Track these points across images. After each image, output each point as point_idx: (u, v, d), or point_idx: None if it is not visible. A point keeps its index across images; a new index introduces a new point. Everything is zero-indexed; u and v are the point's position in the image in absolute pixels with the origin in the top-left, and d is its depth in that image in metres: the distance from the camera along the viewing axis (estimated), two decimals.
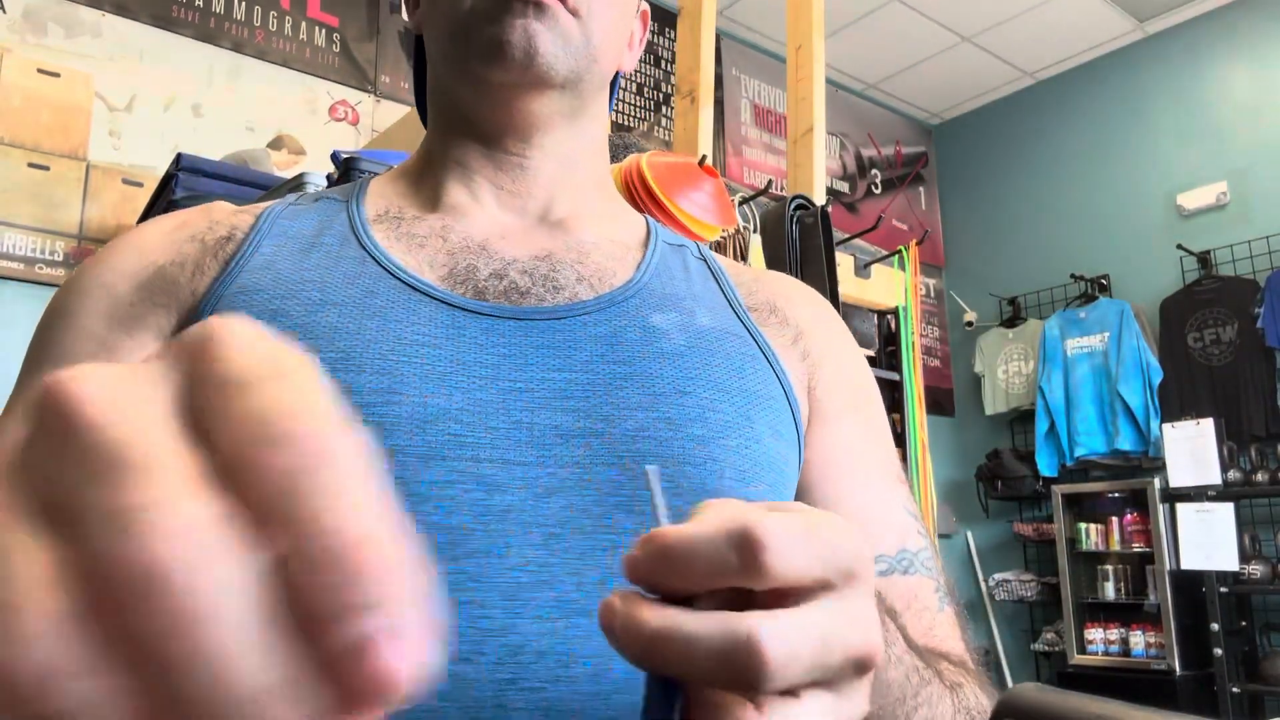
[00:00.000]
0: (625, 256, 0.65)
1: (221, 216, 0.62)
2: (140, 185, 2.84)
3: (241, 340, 0.19)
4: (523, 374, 0.54)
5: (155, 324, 0.57)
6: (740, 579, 0.27)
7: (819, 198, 2.19)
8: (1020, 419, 4.78)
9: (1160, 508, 3.91)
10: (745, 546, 0.27)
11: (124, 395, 0.18)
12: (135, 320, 0.57)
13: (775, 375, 0.61)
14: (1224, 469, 3.81)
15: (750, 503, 0.31)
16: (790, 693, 0.28)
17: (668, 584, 0.28)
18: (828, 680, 0.29)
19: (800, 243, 2.03)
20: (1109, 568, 4.17)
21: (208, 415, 0.19)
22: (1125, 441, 4.17)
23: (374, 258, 0.58)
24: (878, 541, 0.58)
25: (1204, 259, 4.21)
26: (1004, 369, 4.80)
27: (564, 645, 0.47)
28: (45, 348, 0.58)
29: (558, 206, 0.64)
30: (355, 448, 0.19)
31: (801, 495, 0.60)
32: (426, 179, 0.66)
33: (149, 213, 2.60)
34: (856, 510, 0.59)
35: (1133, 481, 4.14)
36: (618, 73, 0.71)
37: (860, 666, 0.29)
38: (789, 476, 0.59)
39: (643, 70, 4.28)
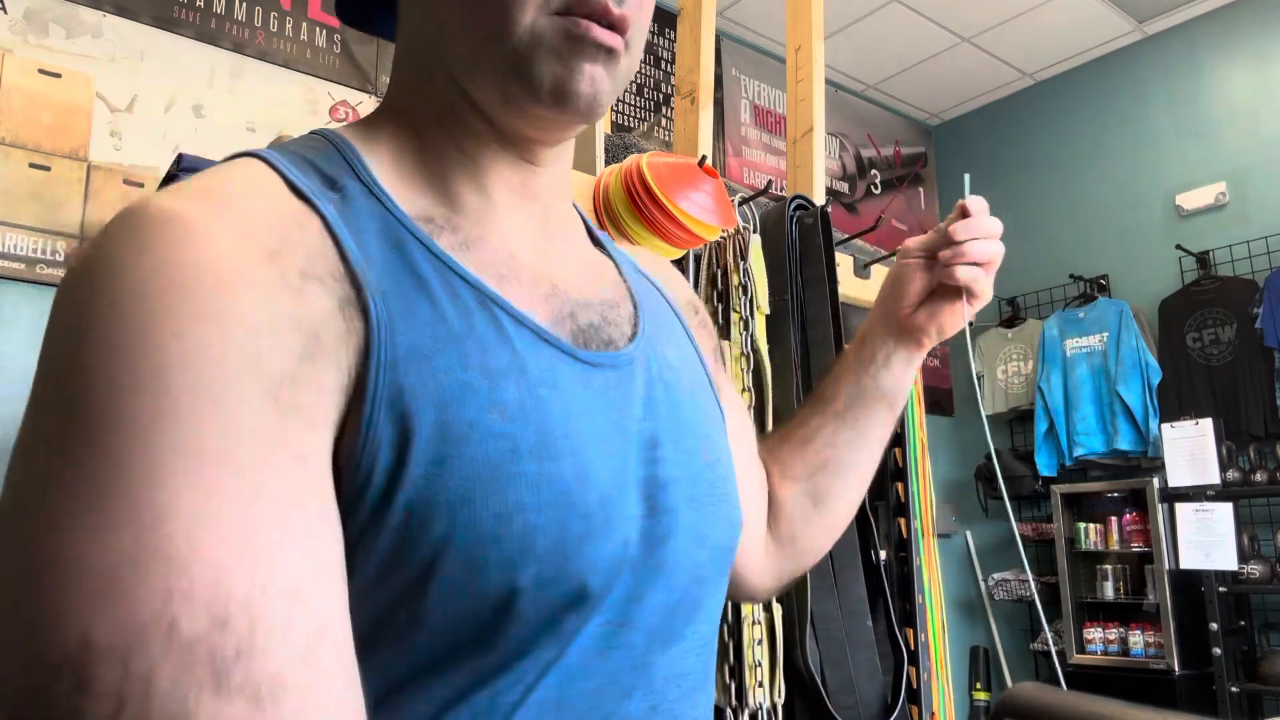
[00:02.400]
0: (605, 263, 0.68)
1: (292, 232, 0.47)
2: (141, 186, 2.84)
3: None
4: (636, 427, 0.56)
5: (326, 414, 0.44)
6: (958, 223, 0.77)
7: (819, 198, 2.19)
8: (1020, 419, 4.79)
9: (1159, 507, 3.92)
10: (961, 210, 0.83)
11: None
12: (306, 411, 0.42)
13: (715, 398, 0.68)
14: (1223, 469, 3.81)
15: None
16: None
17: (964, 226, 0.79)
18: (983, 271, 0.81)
19: (800, 243, 2.03)
20: (1108, 567, 4.17)
21: None
22: (1124, 441, 4.18)
23: (496, 303, 0.52)
24: (755, 505, 0.79)
25: (1203, 259, 4.21)
26: (1003, 369, 4.80)
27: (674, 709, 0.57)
28: (185, 437, 0.38)
29: (553, 213, 0.63)
30: None
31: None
32: (429, 168, 0.57)
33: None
34: (745, 477, 0.73)
35: (1132, 481, 4.15)
36: None
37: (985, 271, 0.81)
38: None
39: (643, 70, 4.28)
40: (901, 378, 0.84)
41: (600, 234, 0.72)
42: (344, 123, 0.62)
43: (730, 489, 0.63)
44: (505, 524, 0.47)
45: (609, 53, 0.54)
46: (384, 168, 0.56)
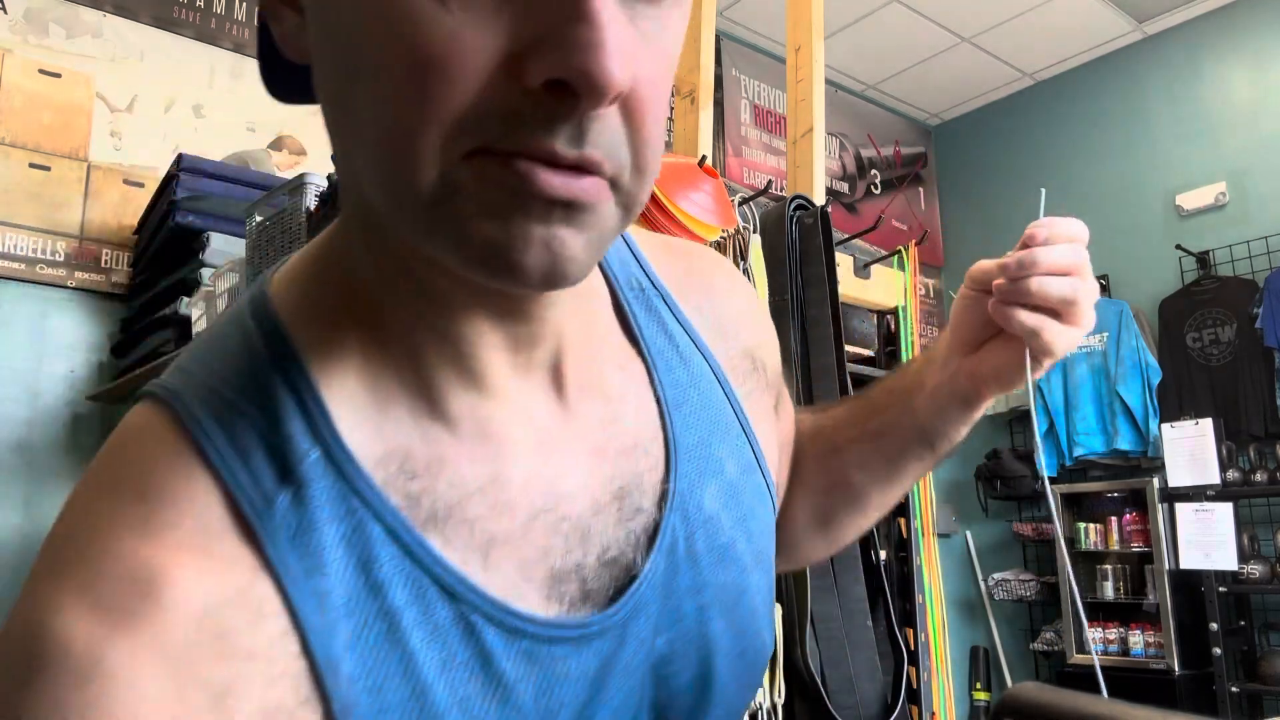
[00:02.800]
0: (635, 382, 0.53)
1: (250, 641, 0.37)
2: (141, 186, 2.84)
3: None
4: (646, 666, 0.49)
5: None
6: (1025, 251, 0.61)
7: (819, 198, 2.20)
8: (1020, 419, 4.79)
9: (1159, 507, 3.92)
10: (1027, 240, 0.64)
11: None
12: None
13: (769, 494, 0.59)
14: (1223, 469, 3.81)
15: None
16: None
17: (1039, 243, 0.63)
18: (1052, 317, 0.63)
19: (800, 243, 2.03)
20: (1108, 567, 4.17)
21: None
22: (1124, 441, 4.18)
23: (483, 614, 0.42)
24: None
25: (1203, 259, 4.21)
26: None
27: None
28: None
29: (566, 347, 0.49)
30: None
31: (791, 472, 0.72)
32: (401, 364, 0.44)
33: (150, 212, 2.61)
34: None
35: (1132, 481, 4.15)
36: None
37: (1072, 325, 0.63)
38: None
39: None
40: (950, 422, 0.67)
41: (638, 277, 0.57)
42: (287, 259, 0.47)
43: (765, 639, 0.57)
44: None
45: (569, 208, 0.36)
46: (347, 379, 0.43)
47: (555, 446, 0.48)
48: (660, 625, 0.49)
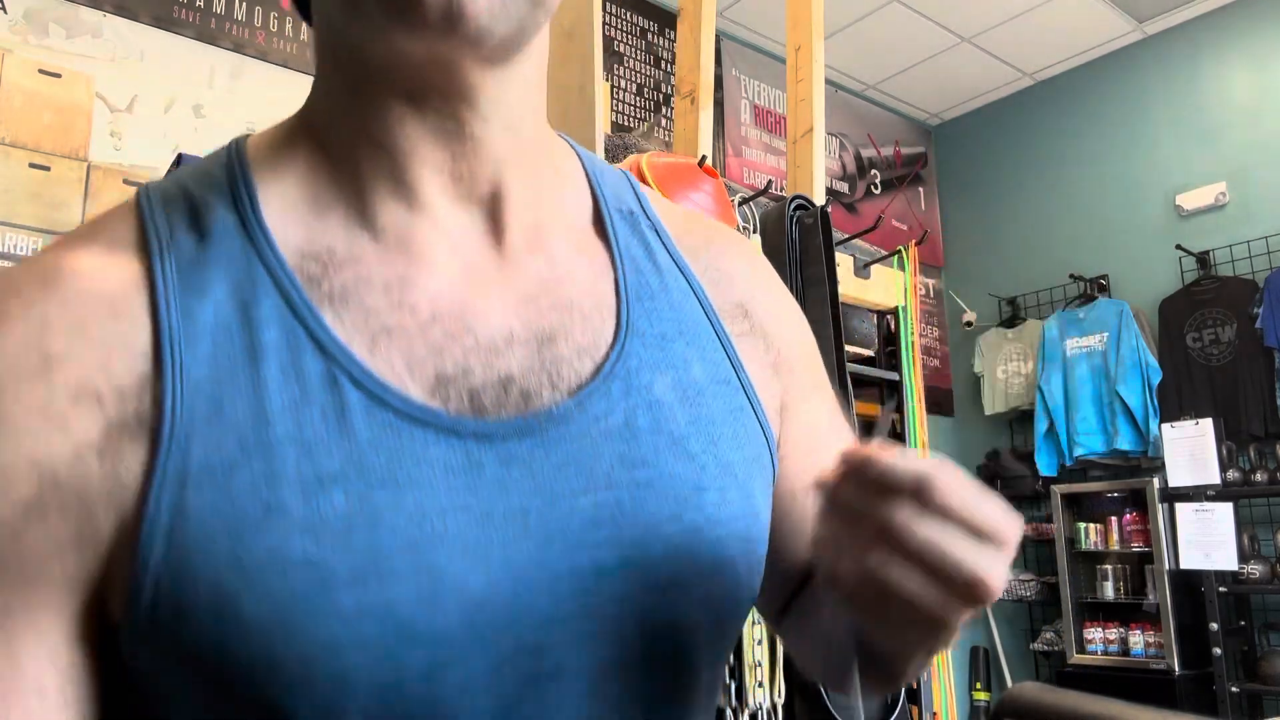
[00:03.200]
0: (595, 267, 0.54)
1: (93, 322, 0.42)
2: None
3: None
4: (553, 510, 0.46)
5: (61, 572, 0.40)
6: (915, 501, 0.40)
7: (819, 198, 2.20)
8: (1020, 419, 4.79)
9: (1159, 507, 3.92)
10: (922, 482, 0.40)
11: None
12: (27, 574, 0.39)
13: (759, 423, 0.56)
14: (1223, 469, 3.81)
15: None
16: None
17: (864, 478, 0.41)
18: (946, 580, 0.40)
19: (800, 243, 2.03)
20: (1108, 567, 4.17)
21: None
22: (1124, 441, 4.18)
23: (349, 374, 0.43)
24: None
25: (1203, 259, 4.21)
26: (1003, 369, 4.80)
27: None
28: None
29: (508, 195, 0.51)
30: None
31: (781, 484, 0.59)
32: (341, 172, 0.49)
33: None
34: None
35: (1132, 481, 4.15)
36: None
37: (972, 592, 0.40)
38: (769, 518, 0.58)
39: (643, 71, 4.29)
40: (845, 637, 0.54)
41: (632, 206, 0.59)
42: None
43: (731, 552, 0.51)
44: (311, 668, 0.40)
45: None
46: (287, 186, 0.48)
47: (481, 278, 0.49)
48: (586, 485, 0.47)
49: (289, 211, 0.47)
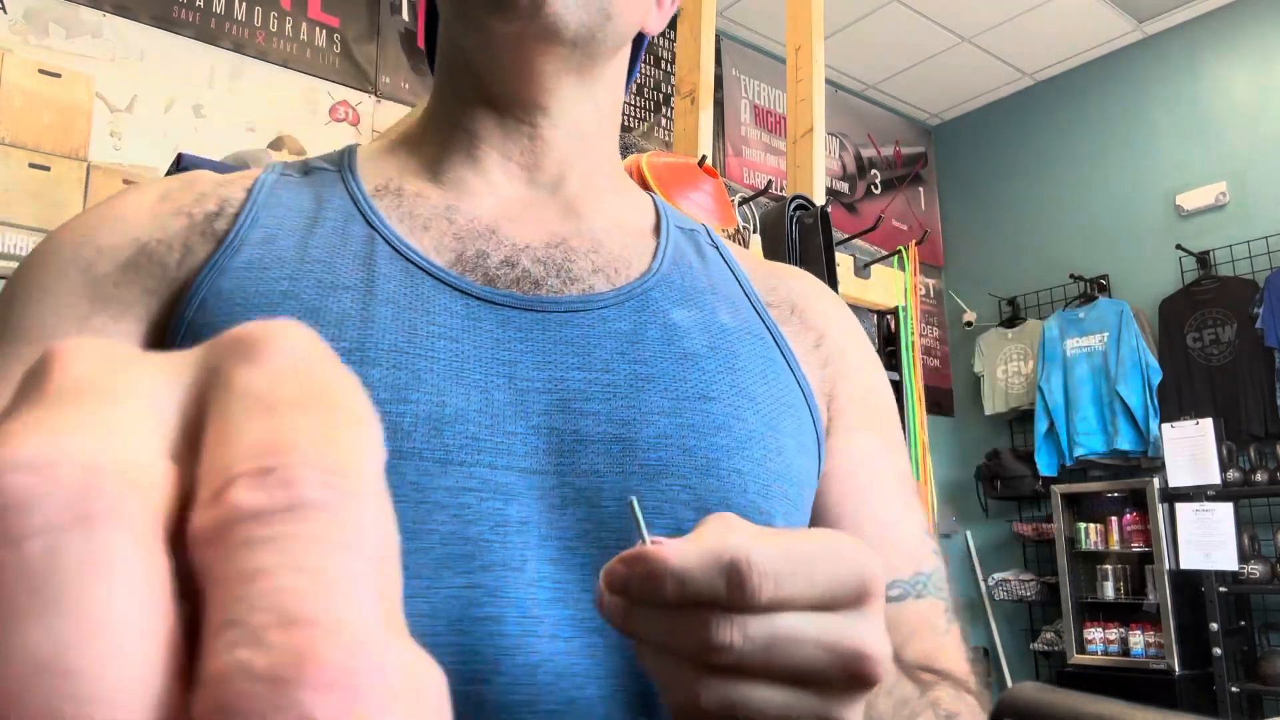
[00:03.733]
0: (640, 244, 0.60)
1: (207, 188, 0.56)
2: None
3: (289, 348, 0.15)
4: (541, 373, 0.50)
5: (142, 309, 0.52)
6: (727, 606, 0.30)
7: (819, 198, 2.19)
8: (1020, 419, 4.79)
9: (1159, 507, 3.92)
10: (733, 577, 0.29)
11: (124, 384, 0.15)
12: (119, 304, 0.51)
13: (797, 382, 0.58)
14: (1223, 469, 3.81)
15: (752, 526, 0.33)
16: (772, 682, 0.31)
17: (652, 602, 0.31)
18: (813, 678, 0.31)
19: (800, 243, 2.03)
20: (1108, 567, 4.17)
21: (209, 428, 0.15)
22: (1124, 441, 4.18)
23: (383, 237, 0.54)
24: (893, 565, 0.56)
25: (1203, 259, 4.21)
26: (1003, 369, 4.80)
27: (580, 665, 0.45)
28: (15, 321, 0.51)
29: (570, 182, 0.59)
30: (383, 536, 0.14)
31: (816, 509, 0.57)
32: (426, 147, 0.60)
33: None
34: (873, 530, 0.57)
35: (1132, 481, 4.15)
36: (643, 38, 0.65)
37: (853, 676, 0.32)
38: (809, 490, 0.56)
39: (643, 70, 4.29)
40: None
41: (695, 227, 0.65)
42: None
43: (741, 466, 0.50)
44: None
45: None
46: (375, 151, 0.62)
47: (517, 212, 0.58)
48: (581, 364, 0.51)
49: (376, 165, 0.60)
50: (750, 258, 0.67)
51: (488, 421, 0.48)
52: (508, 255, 0.54)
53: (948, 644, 0.56)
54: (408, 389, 0.47)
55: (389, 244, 0.53)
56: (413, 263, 0.52)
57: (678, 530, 0.48)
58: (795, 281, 0.66)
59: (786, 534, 0.32)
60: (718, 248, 0.64)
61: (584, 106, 0.59)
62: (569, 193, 0.59)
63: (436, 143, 0.60)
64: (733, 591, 0.29)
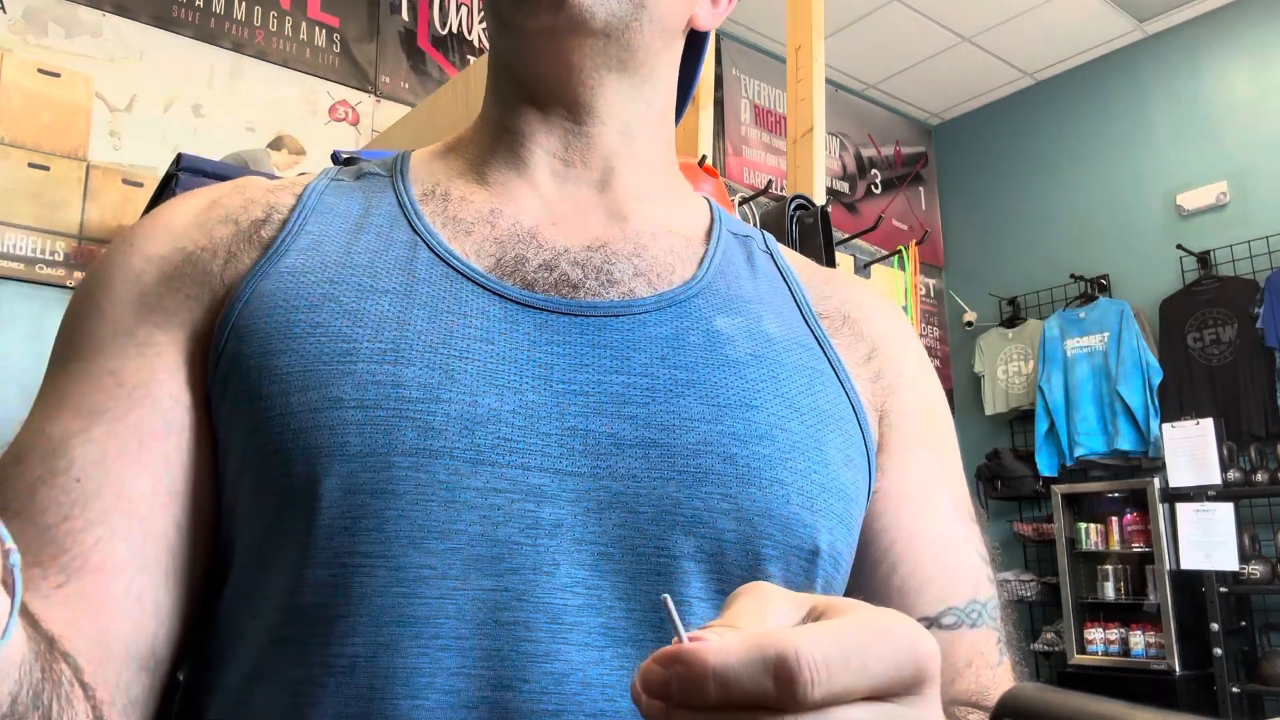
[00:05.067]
0: (687, 250, 0.59)
1: (257, 195, 0.57)
2: (140, 185, 2.84)
3: None
4: (578, 375, 0.50)
5: (186, 315, 0.52)
6: (777, 706, 0.27)
7: (819, 198, 2.19)
8: (1020, 419, 4.78)
9: (1160, 508, 3.91)
10: (780, 674, 0.27)
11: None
12: (163, 312, 0.52)
13: (845, 394, 0.56)
14: (1224, 469, 3.81)
15: (790, 597, 0.31)
16: None
17: (694, 705, 0.27)
18: None
19: (800, 243, 2.03)
20: (1109, 568, 4.17)
21: None
22: (1125, 441, 4.18)
23: (425, 242, 0.54)
24: (950, 590, 0.55)
25: (1204, 259, 4.21)
26: (1004, 369, 4.80)
27: (611, 676, 0.44)
28: (76, 340, 0.53)
29: (617, 181, 0.59)
30: None
31: (869, 529, 0.56)
32: (474, 150, 0.61)
33: (149, 212, 2.60)
34: (930, 553, 0.56)
35: (1132, 481, 4.14)
36: (704, 36, 0.64)
37: None
38: (857, 506, 0.54)
39: None
40: None
41: (750, 233, 0.64)
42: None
43: (783, 477, 0.49)
44: (316, 418, 0.46)
45: None
46: (427, 156, 0.63)
47: (560, 218, 0.57)
48: (620, 368, 0.51)
49: (427, 168, 0.61)
50: (807, 264, 0.65)
51: (521, 423, 0.47)
52: (547, 259, 0.54)
53: (1000, 678, 0.55)
54: (441, 388, 0.47)
55: (431, 249, 0.54)
56: (453, 268, 0.53)
57: (717, 540, 0.47)
58: (849, 290, 0.63)
59: (832, 619, 0.30)
60: (771, 255, 0.64)
61: (632, 106, 0.59)
62: (616, 193, 0.59)
63: (484, 145, 0.60)
64: (782, 690, 0.27)
